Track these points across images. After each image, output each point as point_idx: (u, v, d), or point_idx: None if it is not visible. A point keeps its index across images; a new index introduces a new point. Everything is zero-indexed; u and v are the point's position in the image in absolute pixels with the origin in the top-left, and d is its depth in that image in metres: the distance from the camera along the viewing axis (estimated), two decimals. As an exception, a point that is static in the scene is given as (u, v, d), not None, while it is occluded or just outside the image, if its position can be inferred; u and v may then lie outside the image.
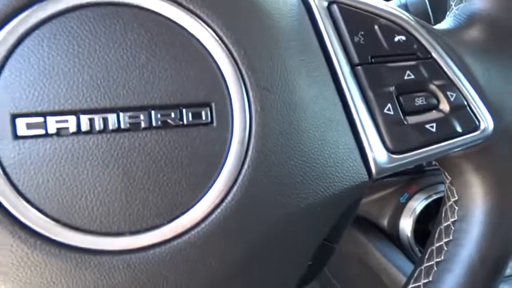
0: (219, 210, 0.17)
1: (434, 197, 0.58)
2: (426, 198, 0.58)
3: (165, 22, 0.16)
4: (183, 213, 0.16)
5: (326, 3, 0.20)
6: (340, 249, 0.23)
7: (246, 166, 0.17)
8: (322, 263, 0.23)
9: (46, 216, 0.15)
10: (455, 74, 0.21)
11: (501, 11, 0.22)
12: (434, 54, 0.21)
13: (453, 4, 0.23)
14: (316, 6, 0.20)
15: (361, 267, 0.59)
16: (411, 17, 0.21)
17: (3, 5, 0.15)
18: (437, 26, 0.23)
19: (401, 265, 0.58)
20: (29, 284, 0.15)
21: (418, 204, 0.59)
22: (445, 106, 0.21)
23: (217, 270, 0.17)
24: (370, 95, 0.20)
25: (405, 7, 0.33)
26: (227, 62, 0.17)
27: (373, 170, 0.20)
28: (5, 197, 0.15)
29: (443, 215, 0.24)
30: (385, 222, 0.61)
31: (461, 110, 0.21)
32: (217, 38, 0.17)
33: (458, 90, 0.21)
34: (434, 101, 0.21)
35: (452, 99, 0.21)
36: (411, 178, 0.61)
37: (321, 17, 0.20)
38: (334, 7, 0.20)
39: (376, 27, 0.20)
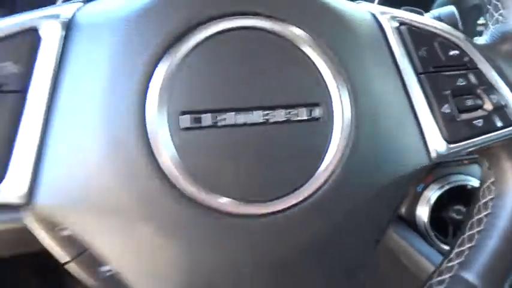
0: (325, 186, 0.22)
1: (447, 187, 0.64)
2: (440, 188, 0.64)
3: (284, 42, 0.22)
4: (300, 187, 0.22)
5: (397, 24, 0.25)
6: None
7: (345, 153, 0.22)
8: None
9: (206, 189, 0.20)
10: (496, 81, 0.26)
11: None
12: (479, 65, 0.26)
13: (490, 24, 0.29)
14: (390, 26, 0.25)
15: (382, 249, 0.64)
16: (462, 35, 0.26)
17: (179, 25, 0.20)
18: (478, 41, 0.28)
19: (420, 247, 0.64)
20: (195, 241, 0.20)
21: (432, 193, 0.64)
22: (488, 106, 0.26)
23: (321, 233, 0.22)
24: (431, 96, 0.25)
25: (439, 19, 0.38)
26: (329, 73, 0.22)
27: (433, 155, 0.25)
28: (176, 175, 0.20)
29: (481, 193, 0.30)
30: (403, 209, 0.67)
31: (500, 109, 0.26)
32: (324, 56, 0.22)
33: (498, 93, 0.26)
34: (480, 102, 0.26)
35: (494, 101, 0.26)
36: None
37: (392, 35, 0.25)
38: (403, 27, 0.25)
39: (435, 43, 0.26)
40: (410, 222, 0.67)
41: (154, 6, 0.20)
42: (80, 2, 0.23)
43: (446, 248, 0.63)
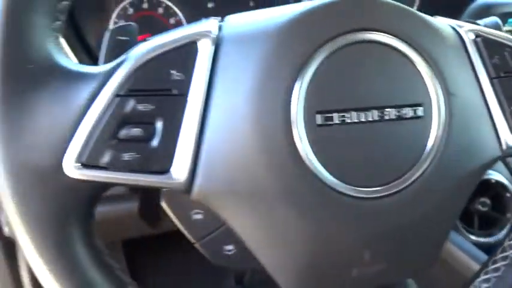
0: (425, 173, 0.26)
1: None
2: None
3: (395, 53, 0.26)
4: (405, 173, 0.26)
5: (474, 36, 0.30)
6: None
7: (441, 145, 0.27)
8: None
9: (334, 176, 0.25)
10: None
11: None
12: None
13: None
14: (468, 38, 0.30)
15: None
16: None
17: (317, 39, 0.24)
18: None
19: (453, 238, 0.69)
20: (325, 219, 0.25)
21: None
22: None
23: (420, 213, 0.27)
24: (502, 97, 0.30)
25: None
26: (429, 78, 0.27)
27: (504, 148, 0.30)
28: (312, 165, 0.24)
29: None
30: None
31: None
32: (425, 64, 0.26)
33: None
34: None
35: None
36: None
37: (470, 46, 0.30)
38: (479, 39, 0.30)
39: (505, 53, 0.30)
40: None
41: (297, 21, 0.25)
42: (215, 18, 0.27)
43: (473, 237, 0.69)
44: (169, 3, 0.62)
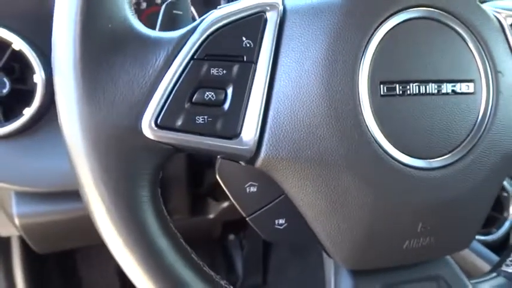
0: (475, 148, 0.27)
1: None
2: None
3: (452, 33, 0.27)
4: (457, 146, 0.27)
5: (511, 21, 0.31)
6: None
7: (489, 120, 0.28)
8: None
9: (396, 146, 0.25)
10: None
11: None
12: None
13: None
14: (506, 23, 0.31)
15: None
16: None
17: (381, 13, 0.25)
18: None
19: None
20: (387, 187, 0.25)
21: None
22: None
23: (477, 185, 0.28)
24: None
25: None
26: (479, 58, 0.28)
27: None
28: (375, 134, 0.25)
29: None
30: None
31: None
32: (474, 39, 0.28)
33: None
34: None
35: None
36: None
37: (508, 30, 0.31)
38: None
39: None
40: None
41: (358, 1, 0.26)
42: None
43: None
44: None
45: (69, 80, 0.22)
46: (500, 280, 0.34)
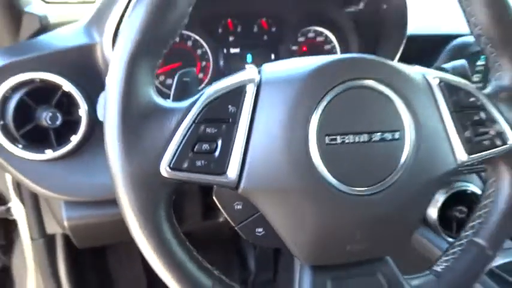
0: (400, 179, 0.38)
1: (452, 191, 0.80)
2: (446, 192, 0.80)
3: (382, 96, 0.38)
4: (385, 178, 0.37)
5: (438, 81, 0.41)
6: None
7: (411, 160, 0.38)
8: None
9: (338, 180, 0.36)
10: (497, 117, 0.43)
11: None
12: (487, 107, 0.42)
13: (493, 79, 0.45)
14: (434, 83, 0.41)
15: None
16: (475, 87, 0.43)
17: (328, 85, 0.36)
18: (485, 91, 0.45)
19: (429, 236, 0.80)
20: (331, 208, 0.36)
21: (440, 196, 0.81)
22: (492, 132, 0.42)
23: (396, 206, 0.38)
24: (458, 126, 0.41)
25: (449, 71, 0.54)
26: (404, 112, 0.38)
27: (458, 162, 0.41)
28: (323, 171, 0.36)
29: (486, 188, 0.46)
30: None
31: (500, 134, 0.42)
32: (400, 100, 0.38)
33: (498, 124, 0.42)
34: (488, 130, 0.42)
35: (496, 129, 0.42)
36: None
37: (436, 88, 0.41)
38: (442, 84, 0.41)
39: (461, 93, 0.42)
40: (423, 219, 0.83)
41: (314, 72, 0.36)
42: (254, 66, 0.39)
43: (451, 240, 0.80)
44: (197, 37, 0.74)
45: (114, 140, 0.34)
46: (430, 277, 0.44)
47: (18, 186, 0.79)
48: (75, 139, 0.57)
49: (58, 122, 0.57)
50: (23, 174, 0.57)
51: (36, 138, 0.57)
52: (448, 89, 0.42)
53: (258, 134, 0.36)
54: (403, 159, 0.38)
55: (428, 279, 0.44)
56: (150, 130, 0.35)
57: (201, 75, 0.75)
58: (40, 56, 0.56)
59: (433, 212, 0.81)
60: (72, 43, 0.58)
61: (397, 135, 0.38)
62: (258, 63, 0.77)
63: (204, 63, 0.74)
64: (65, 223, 0.63)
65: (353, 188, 0.37)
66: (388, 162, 0.38)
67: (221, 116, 0.36)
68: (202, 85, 0.75)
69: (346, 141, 0.37)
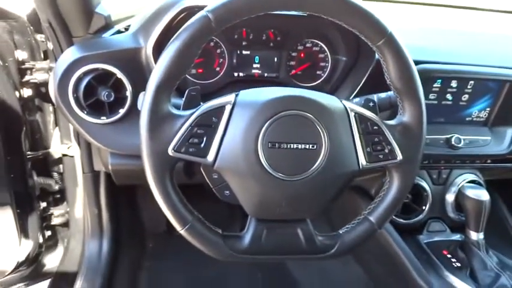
0: (315, 172, 0.61)
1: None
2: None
3: (306, 119, 0.61)
4: (305, 171, 0.61)
5: (353, 114, 0.64)
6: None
7: (324, 161, 0.61)
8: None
9: (273, 169, 0.60)
10: (391, 140, 0.65)
11: (412, 122, 0.65)
12: (385, 133, 0.65)
13: (398, 114, 0.67)
14: (351, 112, 0.64)
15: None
16: (379, 119, 0.65)
17: (272, 113, 0.60)
18: (389, 122, 0.66)
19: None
20: (267, 186, 0.61)
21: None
22: (386, 150, 0.65)
23: (312, 188, 0.62)
24: (364, 144, 0.64)
25: (374, 103, 0.75)
26: (322, 131, 0.61)
27: (361, 167, 0.64)
28: (264, 163, 0.60)
29: (384, 186, 0.69)
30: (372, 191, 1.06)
31: (391, 152, 0.65)
32: (320, 124, 0.61)
33: (391, 145, 0.65)
34: (383, 147, 0.65)
35: (389, 148, 0.65)
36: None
37: (351, 117, 0.64)
38: (357, 115, 0.64)
39: (368, 123, 0.64)
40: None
41: (269, 101, 0.60)
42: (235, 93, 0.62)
43: (396, 219, 1.04)
44: (218, 40, 0.96)
45: (144, 130, 0.59)
46: (332, 237, 0.69)
47: (77, 134, 1.07)
48: (122, 111, 0.83)
49: (111, 99, 0.83)
50: (86, 131, 0.84)
51: (96, 108, 0.83)
52: (360, 119, 0.64)
53: (229, 136, 0.61)
54: (318, 161, 0.62)
55: (330, 237, 0.68)
56: (165, 127, 0.60)
57: (218, 69, 0.98)
58: (104, 52, 0.81)
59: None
60: (126, 46, 0.83)
61: (315, 146, 0.61)
62: (263, 63, 0.99)
63: (221, 60, 0.97)
64: (110, 167, 0.90)
65: (282, 175, 0.61)
66: (308, 162, 0.62)
67: (207, 123, 0.60)
68: (218, 76, 0.98)
69: (282, 146, 0.61)
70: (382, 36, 0.62)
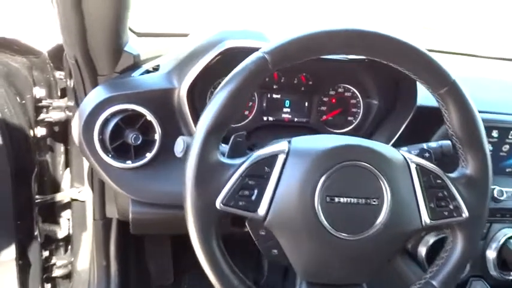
0: (377, 231, 0.55)
1: (440, 236, 0.96)
2: (436, 235, 0.96)
3: (369, 172, 0.55)
4: (365, 230, 0.55)
5: (414, 165, 0.58)
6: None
7: (386, 218, 0.55)
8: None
9: (333, 227, 0.54)
10: (456, 195, 0.59)
11: (477, 176, 0.60)
12: (449, 187, 0.59)
13: (460, 167, 0.61)
14: (412, 164, 0.58)
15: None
16: (441, 171, 0.59)
17: (332, 163, 0.54)
18: (452, 175, 0.61)
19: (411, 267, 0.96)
20: (325, 245, 0.54)
21: (431, 238, 0.96)
22: (451, 206, 0.59)
23: (376, 250, 0.55)
24: (426, 198, 0.58)
25: (440, 147, 0.70)
26: (384, 184, 0.55)
27: (423, 225, 0.58)
28: (323, 220, 0.54)
29: (446, 243, 0.62)
30: (409, 246, 0.99)
31: (457, 208, 0.59)
32: (382, 176, 0.55)
33: (456, 200, 0.59)
34: (448, 203, 0.59)
35: (454, 204, 0.59)
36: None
37: (412, 169, 0.58)
38: (418, 167, 0.58)
39: (431, 176, 0.58)
40: (412, 254, 0.99)
41: (326, 152, 0.54)
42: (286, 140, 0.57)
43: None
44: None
45: (190, 181, 0.53)
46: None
47: (91, 177, 1.00)
48: (149, 155, 0.77)
49: (139, 141, 0.77)
50: (108, 175, 0.77)
51: (121, 151, 0.77)
52: (422, 171, 0.59)
53: (282, 188, 0.54)
54: (379, 218, 0.55)
55: None
56: (213, 177, 0.53)
57: (246, 113, 0.93)
58: (134, 93, 0.76)
59: (422, 251, 0.97)
60: (157, 86, 0.78)
61: (377, 201, 0.55)
62: (294, 107, 0.94)
63: (250, 103, 0.93)
64: (130, 215, 0.83)
65: (341, 234, 0.54)
66: (369, 218, 0.55)
67: (259, 173, 0.54)
68: (246, 120, 0.93)
69: (341, 201, 0.54)
70: (445, 84, 0.58)
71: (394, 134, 0.87)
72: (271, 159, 0.55)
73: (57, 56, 0.99)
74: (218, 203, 0.53)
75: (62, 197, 1.08)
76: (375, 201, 0.55)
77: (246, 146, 0.60)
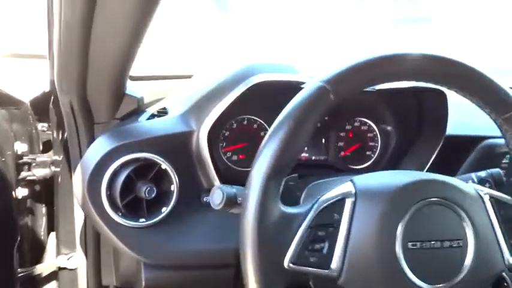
0: (462, 279, 0.47)
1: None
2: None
3: (447, 209, 0.48)
4: (453, 278, 0.47)
5: (488, 197, 0.52)
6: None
7: (472, 263, 0.48)
8: None
9: (417, 277, 0.46)
10: None
11: None
12: None
13: None
14: (486, 198, 0.52)
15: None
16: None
17: (410, 203, 0.46)
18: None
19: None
20: None
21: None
22: None
23: None
24: (506, 235, 0.51)
25: (490, 175, 0.65)
26: (466, 224, 0.48)
27: (506, 264, 0.51)
28: (408, 270, 0.45)
29: None
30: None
31: None
32: (465, 215, 0.48)
33: None
34: None
35: None
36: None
37: (487, 203, 0.52)
38: (493, 199, 0.52)
39: (508, 207, 0.52)
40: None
41: (400, 189, 0.47)
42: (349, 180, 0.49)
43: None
44: (262, 121, 0.85)
45: (251, 240, 0.43)
46: None
47: (84, 241, 0.87)
48: (165, 210, 0.66)
49: (153, 195, 0.66)
50: (118, 237, 0.65)
51: (131, 208, 0.66)
52: (497, 203, 0.52)
53: (355, 237, 0.46)
54: (466, 262, 0.48)
55: None
56: (279, 234, 0.44)
57: (261, 154, 0.85)
58: (145, 139, 0.66)
59: None
60: (172, 130, 0.69)
61: (461, 242, 0.48)
62: (310, 145, 0.87)
63: (265, 144, 0.85)
64: (143, 283, 0.70)
65: (428, 285, 0.46)
66: (455, 264, 0.48)
67: (329, 221, 0.46)
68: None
69: (424, 246, 0.46)
70: (510, 108, 0.53)
71: (423, 166, 0.81)
72: (339, 204, 0.47)
73: (40, 106, 0.88)
74: (287, 262, 0.44)
75: (47, 267, 0.93)
76: (458, 244, 0.48)
77: (301, 191, 0.51)
